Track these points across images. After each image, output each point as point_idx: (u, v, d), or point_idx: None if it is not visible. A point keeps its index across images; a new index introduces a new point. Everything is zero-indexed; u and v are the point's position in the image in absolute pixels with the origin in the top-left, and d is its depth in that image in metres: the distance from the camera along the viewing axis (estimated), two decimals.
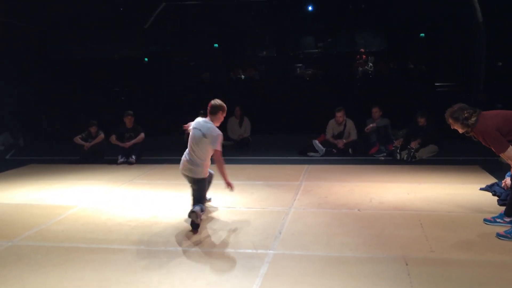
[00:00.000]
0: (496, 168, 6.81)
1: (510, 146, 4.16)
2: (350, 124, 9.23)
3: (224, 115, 5.05)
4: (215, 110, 4.95)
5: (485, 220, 4.68)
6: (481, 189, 5.94)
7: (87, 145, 8.87)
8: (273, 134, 11.71)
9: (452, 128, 4.48)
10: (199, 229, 4.69)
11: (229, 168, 7.83)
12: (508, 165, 4.60)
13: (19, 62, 12.07)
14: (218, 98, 5.09)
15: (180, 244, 4.36)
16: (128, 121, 8.97)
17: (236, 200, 5.78)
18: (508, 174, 5.14)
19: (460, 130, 4.41)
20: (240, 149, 10.11)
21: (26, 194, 6.47)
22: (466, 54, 13.36)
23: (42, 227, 4.97)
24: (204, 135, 4.82)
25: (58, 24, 13.10)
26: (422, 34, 16.03)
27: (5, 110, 11.48)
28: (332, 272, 3.64)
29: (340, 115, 9.16)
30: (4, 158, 9.85)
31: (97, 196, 6.28)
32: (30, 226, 4.99)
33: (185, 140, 9.76)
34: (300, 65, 16.09)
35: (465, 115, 4.27)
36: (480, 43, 11.99)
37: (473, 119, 4.24)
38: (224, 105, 4.98)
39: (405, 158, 8.11)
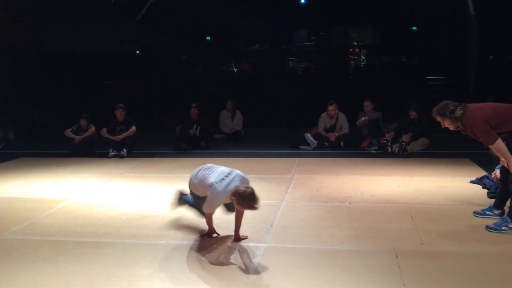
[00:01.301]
0: (486, 161, 6.86)
1: (499, 138, 4.17)
2: (342, 117, 9.25)
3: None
4: None
5: (474, 212, 4.72)
6: (471, 182, 5.98)
7: (77, 138, 8.81)
8: (265, 128, 11.72)
9: (443, 126, 4.48)
10: (190, 223, 4.68)
11: (221, 161, 7.84)
12: (498, 158, 4.62)
13: (10, 56, 11.95)
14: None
15: (171, 237, 4.35)
16: (119, 114, 8.91)
17: None
18: (498, 166, 5.18)
19: (451, 127, 4.40)
20: (232, 142, 10.11)
21: (16, 188, 6.42)
22: (458, 48, 13.43)
23: (32, 221, 4.93)
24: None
25: (49, 18, 12.98)
26: (415, 28, 16.07)
27: None
28: (323, 265, 3.66)
29: (332, 108, 9.17)
30: None
31: (88, 190, 6.24)
32: (20, 220, 4.95)
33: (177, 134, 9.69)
34: (293, 58, 16.08)
35: (451, 108, 4.27)
36: (471, 37, 12.05)
37: (459, 111, 4.24)
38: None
39: (396, 151, 8.14)
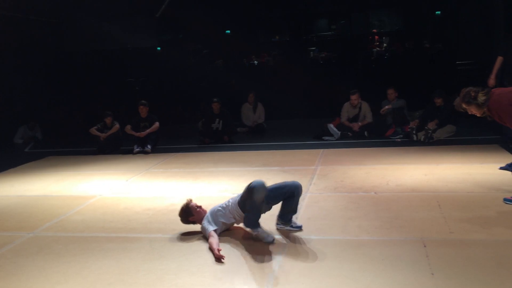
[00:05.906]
0: None
1: None
2: (365, 106, 9.13)
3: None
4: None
5: (505, 199, 4.60)
6: (500, 168, 5.82)
7: (103, 136, 8.95)
8: (288, 119, 11.66)
9: (469, 113, 4.38)
10: None
11: (245, 155, 7.93)
12: None
13: (33, 55, 12.19)
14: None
15: (197, 231, 4.37)
16: (142, 110, 9.03)
17: None
18: None
19: (478, 113, 4.30)
20: (255, 135, 10.11)
21: (45, 186, 6.58)
22: (484, 30, 13.04)
23: (62, 218, 5.05)
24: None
25: (71, 16, 13.16)
26: (438, 12, 15.69)
27: (22, 104, 11.65)
28: (349, 256, 3.63)
29: (355, 97, 9.06)
30: (23, 151, 10.02)
31: (115, 186, 6.35)
32: (50, 217, 5.08)
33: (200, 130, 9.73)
34: (314, 48, 15.93)
35: (472, 94, 4.17)
36: (498, 18, 11.68)
37: (483, 97, 4.13)
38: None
39: (422, 139, 8.00)
